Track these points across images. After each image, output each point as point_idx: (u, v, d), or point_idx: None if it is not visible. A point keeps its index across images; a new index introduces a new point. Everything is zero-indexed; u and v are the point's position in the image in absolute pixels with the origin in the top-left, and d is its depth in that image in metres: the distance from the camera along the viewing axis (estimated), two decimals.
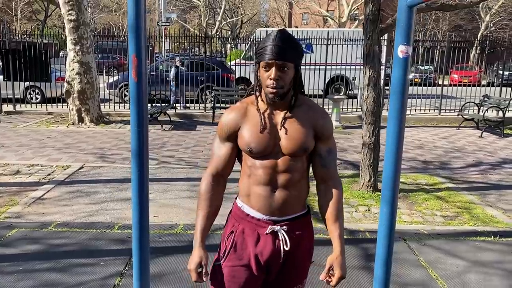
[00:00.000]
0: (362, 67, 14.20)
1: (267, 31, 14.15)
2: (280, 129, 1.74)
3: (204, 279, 1.72)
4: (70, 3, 9.25)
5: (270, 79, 1.67)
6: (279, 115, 1.76)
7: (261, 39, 14.07)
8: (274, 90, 1.68)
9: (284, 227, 1.77)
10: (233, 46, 30.61)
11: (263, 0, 50.61)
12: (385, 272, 2.11)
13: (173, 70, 12.39)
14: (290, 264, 1.83)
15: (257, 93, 1.80)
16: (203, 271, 1.70)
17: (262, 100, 1.78)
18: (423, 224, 4.65)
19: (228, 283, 1.80)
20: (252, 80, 14.77)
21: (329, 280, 1.73)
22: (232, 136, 1.79)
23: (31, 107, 11.88)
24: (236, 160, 1.88)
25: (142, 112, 2.14)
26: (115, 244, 3.91)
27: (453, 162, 7.43)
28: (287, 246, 1.76)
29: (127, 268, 3.49)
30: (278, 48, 1.65)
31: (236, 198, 1.91)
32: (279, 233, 1.77)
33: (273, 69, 1.67)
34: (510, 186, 6.08)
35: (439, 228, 4.53)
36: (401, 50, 1.86)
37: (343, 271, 1.71)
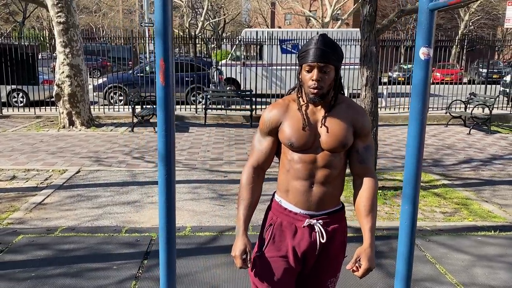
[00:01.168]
0: (350, 66, 14.35)
1: (256, 32, 14.19)
2: (321, 127, 1.84)
3: (249, 265, 1.81)
4: (59, 5, 9.13)
5: (312, 80, 1.78)
6: (320, 113, 1.86)
7: (247, 39, 14.17)
8: (315, 91, 1.78)
9: (320, 221, 1.87)
10: (215, 46, 30.57)
11: (246, 0, 50.64)
12: (407, 269, 2.19)
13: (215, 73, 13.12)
14: (325, 257, 1.92)
15: (299, 93, 1.89)
16: (248, 257, 1.79)
17: (303, 100, 1.88)
18: (424, 220, 4.76)
19: (266, 273, 1.89)
20: (241, 80, 14.85)
21: (355, 270, 1.76)
22: (273, 131, 1.89)
23: (18, 111, 11.67)
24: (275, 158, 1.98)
25: (170, 116, 2.17)
26: (125, 247, 3.91)
27: (445, 159, 7.60)
28: (323, 239, 1.85)
29: (140, 271, 3.50)
30: (320, 51, 1.75)
31: (274, 194, 1.99)
32: (315, 226, 1.86)
33: (315, 70, 1.77)
34: (502, 181, 6.26)
35: (440, 224, 4.64)
36: (422, 52, 1.92)
37: (370, 263, 1.75)
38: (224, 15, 42.91)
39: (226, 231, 4.28)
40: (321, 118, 1.85)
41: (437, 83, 17.33)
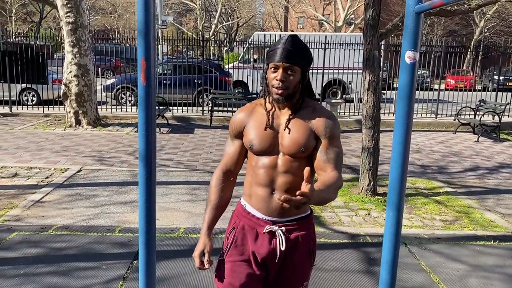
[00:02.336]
0: (358, 71, 14.26)
1: (264, 35, 14.18)
2: (284, 129, 1.80)
3: (206, 267, 1.82)
4: (68, 5, 9.22)
5: (276, 79, 1.76)
6: (284, 116, 1.82)
7: (258, 42, 14.18)
8: (280, 91, 1.76)
9: (283, 228, 1.82)
10: (228, 49, 30.66)
11: (259, 3, 50.75)
12: (391, 276, 2.13)
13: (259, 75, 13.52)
14: (289, 265, 1.87)
15: (265, 94, 1.88)
16: (205, 258, 1.81)
17: (269, 102, 1.86)
18: (423, 228, 4.67)
19: (229, 277, 1.86)
20: (249, 83, 14.84)
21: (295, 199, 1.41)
22: (239, 134, 1.89)
23: (27, 109, 11.82)
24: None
25: (150, 116, 2.14)
26: (116, 247, 3.90)
27: (451, 166, 7.48)
28: (283, 247, 1.80)
29: (129, 271, 3.48)
30: (286, 52, 1.73)
31: (241, 197, 1.99)
32: (276, 233, 1.82)
33: (280, 70, 1.75)
34: (508, 190, 6.12)
35: (439, 232, 4.55)
36: (408, 56, 1.87)
37: (310, 192, 1.40)
38: (238, 18, 43.03)
39: (220, 234, 4.24)
40: (285, 121, 1.81)
41: (450, 90, 17.11)
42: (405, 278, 3.52)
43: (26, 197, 5.18)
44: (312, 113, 1.82)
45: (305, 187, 1.39)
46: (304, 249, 1.87)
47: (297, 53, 1.75)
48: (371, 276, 3.56)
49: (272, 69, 1.77)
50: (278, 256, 1.82)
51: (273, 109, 1.85)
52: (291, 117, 1.81)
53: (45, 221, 4.50)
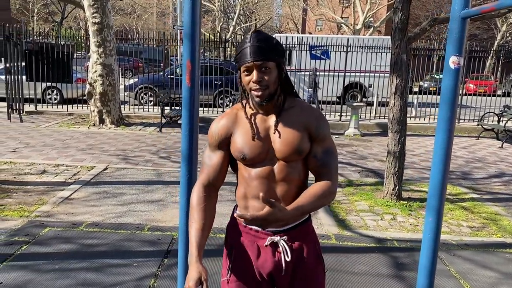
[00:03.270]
0: (380, 74, 14.18)
1: (286, 37, 14.19)
2: (274, 133, 1.66)
3: None
4: (95, 6, 9.38)
5: (253, 82, 1.60)
6: (271, 119, 1.69)
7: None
8: (260, 93, 1.60)
9: (285, 237, 1.69)
10: None
11: (277, 5, 50.78)
12: (428, 283, 2.13)
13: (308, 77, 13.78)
14: (301, 276, 1.72)
15: (244, 101, 1.74)
16: (204, 287, 1.56)
17: (250, 107, 1.71)
18: (450, 234, 4.63)
19: None
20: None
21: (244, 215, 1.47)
22: (223, 144, 1.71)
23: (51, 107, 12.04)
24: (230, 169, 1.82)
25: (194, 116, 2.18)
26: (146, 245, 3.96)
27: (475, 172, 7.39)
28: (288, 257, 1.66)
29: (160, 269, 3.53)
30: (254, 48, 1.58)
31: (234, 209, 1.85)
32: (279, 244, 1.68)
33: (254, 71, 1.59)
34: None
35: (467, 238, 4.51)
36: (452, 61, 1.88)
37: (267, 215, 1.45)
38: (256, 20, 43.13)
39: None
40: (273, 124, 1.67)
41: (470, 95, 16.90)
42: (436, 284, 3.49)
43: (55, 194, 5.28)
44: (301, 113, 1.69)
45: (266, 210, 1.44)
46: (311, 256, 1.74)
47: (266, 48, 1.58)
48: (401, 281, 3.54)
49: (245, 72, 1.61)
50: (284, 268, 1.68)
51: (257, 113, 1.70)
52: (278, 118, 1.67)
53: (75, 217, 4.59)
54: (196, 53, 2.14)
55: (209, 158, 1.74)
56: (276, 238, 1.68)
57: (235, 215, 1.69)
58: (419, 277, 2.13)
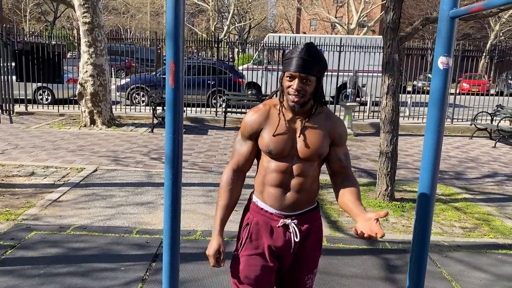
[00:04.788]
0: (372, 74, 14.15)
1: (279, 37, 14.15)
2: (299, 136, 1.87)
3: (222, 265, 1.90)
4: (86, 5, 9.28)
5: (293, 88, 1.81)
6: (299, 122, 1.90)
7: (272, 44, 14.15)
8: (296, 99, 1.82)
9: (295, 220, 1.92)
10: (240, 50, 30.65)
11: (272, 5, 50.75)
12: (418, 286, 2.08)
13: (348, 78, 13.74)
14: (302, 255, 1.98)
15: (281, 99, 1.92)
16: (221, 257, 1.89)
17: (284, 106, 1.91)
18: (442, 235, 4.60)
19: (245, 271, 1.95)
20: (262, 84, 14.80)
21: (373, 236, 1.62)
22: (253, 136, 1.93)
23: (42, 108, 11.91)
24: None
25: (178, 118, 2.12)
26: (134, 249, 3.89)
27: (468, 172, 7.38)
28: (297, 238, 1.91)
29: (148, 274, 3.47)
30: (303, 61, 1.77)
31: (251, 194, 2.05)
32: (290, 226, 1.92)
33: (296, 80, 1.80)
34: None
35: (459, 239, 4.48)
36: (441, 61, 1.83)
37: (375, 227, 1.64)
38: (250, 19, 43.05)
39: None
40: (300, 127, 1.88)
41: (463, 94, 16.93)
42: (427, 286, 3.46)
43: (43, 196, 5.20)
44: (326, 120, 1.92)
45: (379, 230, 1.60)
46: (314, 239, 1.99)
47: (312, 63, 1.78)
48: (393, 283, 3.50)
49: (288, 77, 1.82)
50: (293, 247, 1.92)
51: (288, 113, 1.91)
52: (306, 123, 1.88)
53: (63, 220, 4.51)
54: (180, 53, 2.09)
55: (240, 146, 1.96)
56: (288, 221, 1.92)
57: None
58: (408, 279, 2.09)
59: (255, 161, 2.06)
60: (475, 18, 6.16)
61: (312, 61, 1.78)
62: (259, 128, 1.90)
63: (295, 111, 1.88)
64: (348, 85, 13.62)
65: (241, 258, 1.96)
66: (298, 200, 1.91)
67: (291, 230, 1.91)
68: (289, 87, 1.82)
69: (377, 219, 1.61)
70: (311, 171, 1.90)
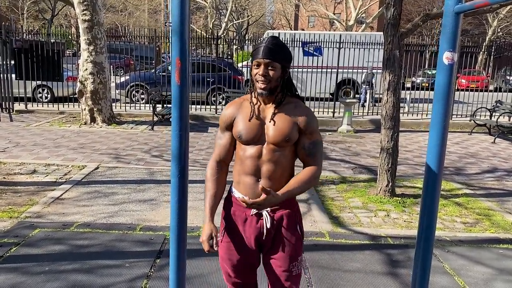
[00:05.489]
0: (373, 71, 14.10)
1: (279, 33, 14.15)
2: (270, 121, 2.01)
3: (216, 249, 1.99)
4: (85, 3, 9.27)
5: (259, 74, 1.96)
6: (269, 110, 2.04)
7: None
8: (263, 85, 1.96)
9: (268, 208, 2.03)
10: (238, 48, 30.63)
11: (270, 2, 50.65)
12: (423, 280, 2.10)
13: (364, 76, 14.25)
14: (280, 242, 2.08)
15: (252, 90, 2.08)
16: (214, 242, 1.98)
17: (255, 97, 2.06)
18: (444, 230, 4.63)
19: (227, 254, 2.13)
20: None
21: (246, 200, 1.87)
22: (229, 127, 2.08)
23: (42, 106, 11.90)
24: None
25: (184, 115, 2.13)
26: (138, 246, 3.91)
27: (468, 168, 7.41)
28: (268, 225, 2.03)
29: (152, 270, 3.49)
30: (267, 49, 1.94)
31: (231, 186, 2.19)
32: (263, 213, 2.04)
33: (262, 66, 1.96)
34: None
35: (460, 234, 4.51)
36: (446, 57, 1.84)
37: (263, 200, 1.85)
38: (248, 16, 42.98)
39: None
40: (270, 114, 2.02)
41: (462, 90, 16.96)
42: (430, 281, 3.48)
43: (46, 194, 5.21)
44: (294, 109, 2.03)
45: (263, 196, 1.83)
46: (290, 226, 2.07)
47: (276, 51, 1.95)
48: (395, 278, 3.53)
49: (255, 65, 1.98)
50: (265, 233, 2.04)
51: (259, 103, 2.05)
52: (276, 111, 2.02)
53: (66, 218, 4.52)
54: (186, 50, 2.10)
55: (220, 139, 2.13)
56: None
57: (238, 198, 2.04)
58: (414, 275, 2.11)
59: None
60: (478, 14, 6.17)
61: (275, 49, 1.94)
62: (232, 118, 2.06)
63: (263, 97, 2.01)
64: (364, 81, 13.76)
65: (223, 244, 2.14)
66: (270, 188, 1.99)
67: (263, 217, 2.04)
68: (256, 74, 1.97)
69: (264, 188, 1.82)
70: (281, 158, 2.01)
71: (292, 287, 2.11)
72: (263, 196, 1.84)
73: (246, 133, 2.00)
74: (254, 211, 2.05)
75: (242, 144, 2.04)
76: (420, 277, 2.16)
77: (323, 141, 2.14)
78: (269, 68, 1.95)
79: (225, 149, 2.10)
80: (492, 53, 14.08)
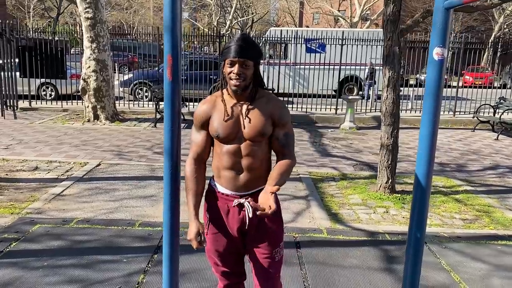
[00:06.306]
0: (376, 67, 14.04)
1: (281, 31, 14.13)
2: (245, 118, 2.04)
3: (204, 245, 2.05)
4: (88, 1, 9.31)
5: (233, 73, 1.98)
6: (242, 107, 2.07)
7: (274, 38, 14.15)
8: (238, 83, 1.99)
9: (249, 198, 2.08)
10: None
11: None
12: (414, 277, 2.12)
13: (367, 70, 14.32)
14: (262, 230, 2.14)
15: (223, 88, 2.10)
16: (202, 238, 2.03)
17: (228, 94, 2.09)
18: (443, 226, 4.63)
19: (213, 246, 2.20)
20: (265, 78, 14.78)
21: (267, 213, 1.80)
22: (205, 125, 2.10)
23: (46, 103, 11.98)
24: None
25: (176, 112, 2.16)
26: (137, 241, 3.94)
27: (470, 164, 7.38)
28: (250, 215, 2.05)
29: (150, 265, 3.52)
30: (240, 48, 1.96)
31: (211, 179, 2.23)
32: (244, 204, 2.08)
33: (236, 65, 1.97)
34: None
35: (459, 231, 4.50)
36: (436, 52, 1.86)
37: (267, 202, 1.83)
38: (252, 14, 42.93)
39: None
40: (244, 111, 2.06)
41: (466, 87, 16.86)
42: (426, 276, 3.50)
43: (47, 190, 5.26)
44: (267, 103, 2.08)
45: (272, 203, 1.78)
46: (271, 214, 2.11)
47: (249, 49, 1.98)
48: (391, 274, 3.54)
49: (229, 64, 2.00)
50: (247, 223, 2.08)
51: (232, 100, 2.07)
52: (249, 107, 2.05)
53: (66, 214, 4.57)
54: (177, 47, 2.11)
55: (195, 137, 2.14)
56: (242, 200, 2.09)
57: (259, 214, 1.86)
58: (405, 270, 2.13)
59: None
60: (473, 11, 6.15)
61: (248, 47, 1.97)
62: (207, 116, 2.08)
63: (237, 95, 2.04)
64: (367, 76, 13.85)
65: (208, 236, 2.20)
66: (250, 180, 2.08)
67: (245, 208, 2.07)
68: (230, 72, 1.99)
69: (273, 192, 1.82)
70: (259, 152, 2.07)
71: (274, 272, 2.20)
72: (272, 206, 1.78)
73: (223, 131, 2.03)
74: (236, 202, 2.10)
75: (219, 141, 2.08)
76: (411, 272, 2.18)
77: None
78: (244, 66, 1.98)
79: (202, 147, 2.12)
80: (498, 49, 13.99)
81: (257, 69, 2.05)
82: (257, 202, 2.06)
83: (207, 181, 2.20)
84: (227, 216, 2.14)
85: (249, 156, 2.05)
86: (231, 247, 2.20)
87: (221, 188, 2.14)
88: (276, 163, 2.11)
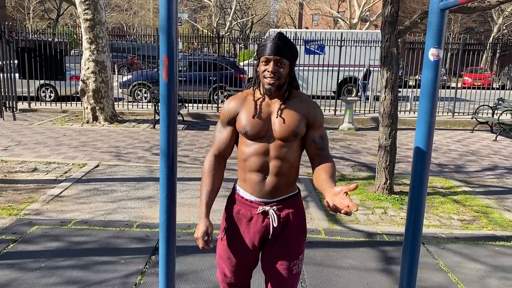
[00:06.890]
0: (374, 69, 14.07)
1: (280, 31, 14.15)
2: (277, 117, 1.96)
3: (210, 246, 1.93)
4: (87, 2, 9.32)
5: (268, 71, 1.92)
6: (275, 105, 1.99)
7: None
8: (272, 81, 1.92)
9: (274, 207, 2.01)
10: (242, 46, 30.65)
11: (274, 0, 50.61)
12: (410, 278, 2.12)
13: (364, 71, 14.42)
14: (284, 240, 2.04)
15: (255, 86, 2.04)
16: (209, 239, 1.93)
17: (260, 92, 2.02)
18: (441, 227, 4.63)
19: (228, 253, 2.10)
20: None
21: (348, 210, 1.63)
22: (232, 121, 2.03)
23: (45, 105, 11.98)
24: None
25: (172, 112, 2.16)
26: (134, 242, 3.94)
27: (468, 165, 7.39)
28: (275, 223, 1.99)
29: (147, 266, 3.52)
30: (276, 46, 1.90)
31: (235, 183, 2.15)
32: (269, 212, 2.00)
33: (271, 63, 1.92)
34: None
35: (457, 232, 4.51)
36: (432, 53, 1.86)
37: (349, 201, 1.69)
38: (252, 15, 42.98)
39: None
40: (276, 109, 1.98)
41: (465, 88, 16.88)
42: (423, 277, 3.50)
43: (45, 192, 5.26)
44: (301, 103, 2.01)
45: (352, 204, 1.60)
46: (295, 224, 2.05)
47: (285, 48, 1.92)
48: (389, 275, 3.54)
49: (264, 62, 1.94)
50: (271, 232, 2.00)
51: (263, 98, 2.01)
52: (282, 106, 1.98)
53: (64, 215, 4.57)
54: (173, 47, 2.12)
55: (220, 133, 2.07)
56: (267, 208, 2.00)
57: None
58: (402, 271, 2.13)
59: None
60: (469, 12, 6.15)
61: (284, 46, 1.91)
62: (235, 112, 2.01)
63: (271, 93, 1.97)
64: (362, 77, 13.92)
65: (223, 241, 2.10)
66: (277, 185, 1.98)
67: (270, 216, 1.99)
68: (264, 70, 1.93)
69: (346, 193, 1.64)
70: (289, 154, 1.97)
71: (291, 285, 2.07)
72: (351, 206, 1.58)
73: (252, 128, 1.95)
74: (260, 209, 2.00)
75: (247, 139, 1.99)
76: (407, 272, 2.18)
77: None
78: (278, 64, 1.92)
79: (225, 144, 2.05)
80: (497, 50, 14.01)
81: (292, 70, 1.98)
82: (282, 211, 2.01)
83: (231, 185, 2.14)
84: (248, 223, 2.04)
85: (278, 158, 1.96)
86: (245, 257, 2.09)
87: (244, 194, 2.05)
88: (313, 166, 2.02)
